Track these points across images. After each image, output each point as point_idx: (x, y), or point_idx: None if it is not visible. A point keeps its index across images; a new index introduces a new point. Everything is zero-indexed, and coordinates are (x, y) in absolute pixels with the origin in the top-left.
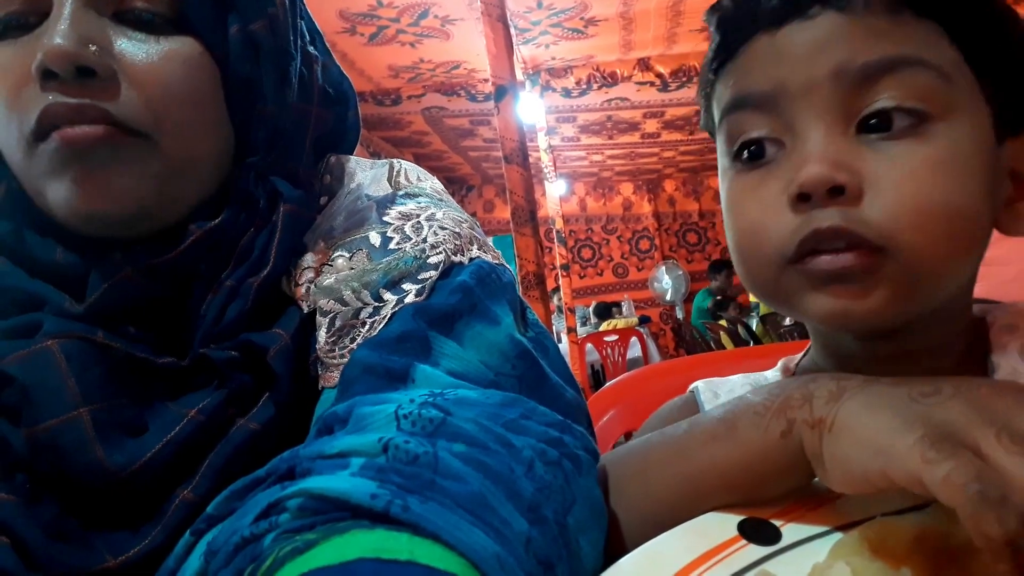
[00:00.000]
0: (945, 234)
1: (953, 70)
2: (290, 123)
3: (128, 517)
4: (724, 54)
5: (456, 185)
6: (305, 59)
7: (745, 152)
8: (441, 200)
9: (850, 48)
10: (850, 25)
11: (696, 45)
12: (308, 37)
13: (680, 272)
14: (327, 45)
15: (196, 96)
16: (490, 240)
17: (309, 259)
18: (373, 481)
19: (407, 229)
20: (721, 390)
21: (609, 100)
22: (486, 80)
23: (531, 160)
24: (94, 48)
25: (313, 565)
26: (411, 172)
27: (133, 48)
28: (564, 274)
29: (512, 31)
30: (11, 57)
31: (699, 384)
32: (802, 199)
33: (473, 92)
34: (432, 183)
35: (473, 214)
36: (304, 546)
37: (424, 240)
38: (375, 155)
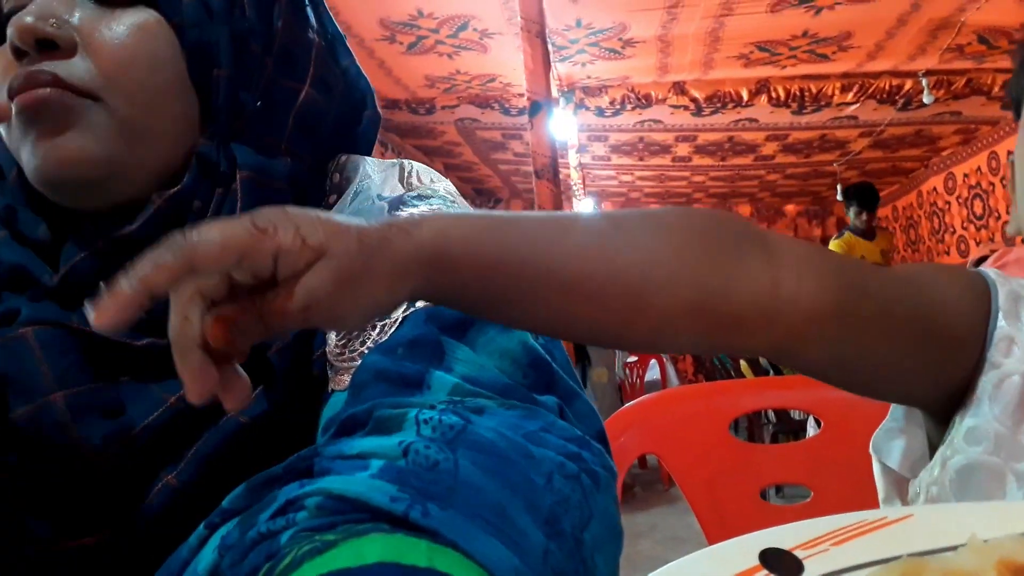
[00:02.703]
0: None
1: None
2: (258, 92)
3: (112, 499)
4: None
5: (484, 197)
6: (297, 40)
7: None
8: (454, 202)
9: None
10: None
11: (732, 72)
12: (315, 26)
13: None
14: (348, 48)
15: (150, 61)
16: None
17: None
18: (393, 484)
19: None
20: (1015, 281)
21: (642, 121)
22: (520, 95)
23: (561, 177)
24: (53, 21)
25: (332, 567)
26: (423, 173)
27: (91, 20)
28: None
29: (550, 48)
30: (3, 47)
31: (998, 286)
32: None
33: (507, 106)
34: (445, 184)
35: None
36: (323, 547)
37: None
38: None
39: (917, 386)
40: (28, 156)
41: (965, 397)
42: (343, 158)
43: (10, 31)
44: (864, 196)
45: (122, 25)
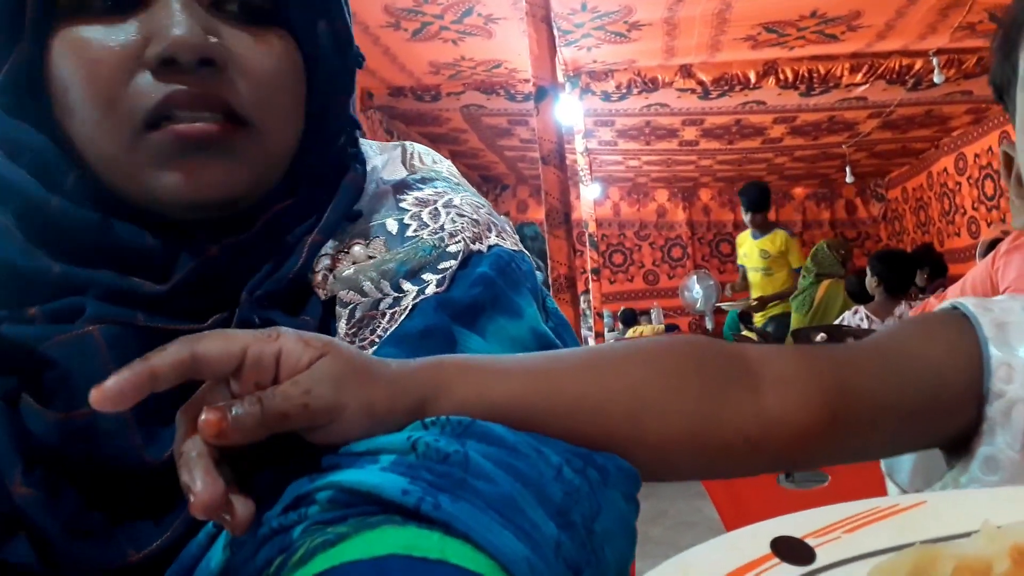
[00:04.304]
0: None
1: None
2: (351, 107)
3: (150, 507)
4: None
5: (491, 184)
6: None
7: None
8: (458, 184)
9: None
10: None
11: (740, 54)
12: None
13: (712, 282)
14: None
15: (291, 87)
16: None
17: (326, 245)
18: (404, 477)
19: (424, 216)
20: (1008, 321)
21: (648, 106)
22: (526, 80)
23: (567, 163)
24: (214, 40)
25: (344, 559)
26: (425, 155)
27: (242, 41)
28: (595, 278)
29: (555, 32)
30: (105, 39)
31: (979, 317)
32: None
33: (512, 92)
34: (448, 166)
35: (506, 213)
36: (335, 539)
37: (442, 228)
38: None
39: (929, 441)
40: (173, 180)
41: (978, 426)
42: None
43: (168, 44)
44: (745, 196)
45: (269, 49)
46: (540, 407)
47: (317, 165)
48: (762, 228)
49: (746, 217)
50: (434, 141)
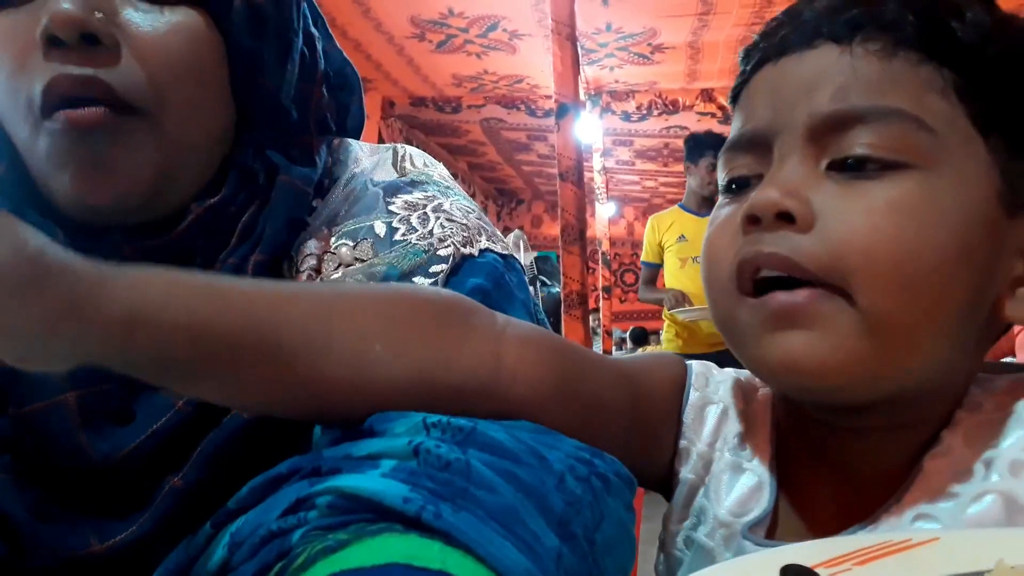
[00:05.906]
0: (899, 282)
1: (942, 124)
2: (291, 100)
3: (117, 503)
4: (739, 83)
5: (506, 198)
6: (307, 39)
7: (733, 185)
8: (448, 188)
9: (832, 91)
10: (839, 64)
11: None
12: (310, 18)
13: None
14: (331, 33)
15: (200, 70)
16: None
17: (312, 245)
18: (405, 484)
19: (413, 220)
20: (712, 377)
21: (668, 128)
22: (547, 96)
23: (584, 180)
24: (100, 15)
25: (344, 566)
26: (416, 157)
27: (138, 18)
28: (605, 296)
29: (579, 51)
30: (14, 25)
31: (694, 365)
32: (751, 221)
33: (533, 107)
34: (439, 169)
35: (520, 227)
36: (336, 545)
37: (431, 233)
38: None
39: (636, 465)
40: (66, 182)
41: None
42: (335, 141)
43: (49, 19)
44: (708, 141)
45: (172, 28)
46: (250, 355)
47: (242, 159)
48: (710, 203)
49: (706, 180)
50: (452, 152)
